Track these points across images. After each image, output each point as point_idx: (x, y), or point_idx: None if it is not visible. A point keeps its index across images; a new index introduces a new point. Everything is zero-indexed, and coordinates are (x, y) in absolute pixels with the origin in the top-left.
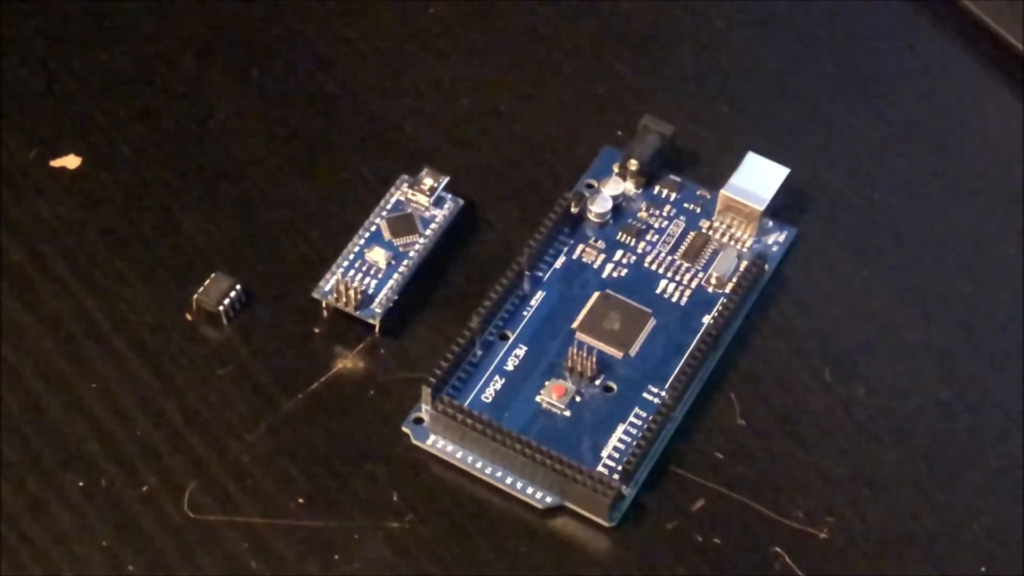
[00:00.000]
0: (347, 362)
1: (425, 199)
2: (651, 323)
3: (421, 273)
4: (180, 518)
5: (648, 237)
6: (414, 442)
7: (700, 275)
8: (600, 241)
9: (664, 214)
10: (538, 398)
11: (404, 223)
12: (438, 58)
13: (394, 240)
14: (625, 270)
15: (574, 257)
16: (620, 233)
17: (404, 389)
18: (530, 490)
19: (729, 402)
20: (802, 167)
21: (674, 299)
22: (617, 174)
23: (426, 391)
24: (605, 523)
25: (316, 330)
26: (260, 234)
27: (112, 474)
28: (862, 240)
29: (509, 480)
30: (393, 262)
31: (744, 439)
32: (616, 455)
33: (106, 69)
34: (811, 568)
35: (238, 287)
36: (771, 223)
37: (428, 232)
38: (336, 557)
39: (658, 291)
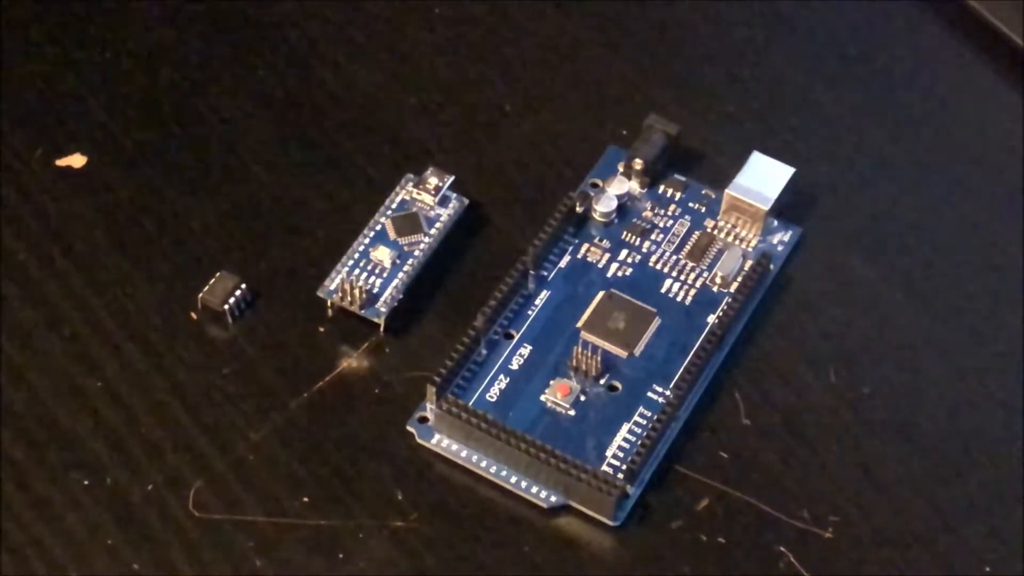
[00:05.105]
0: (352, 361)
1: (430, 198)
2: (656, 322)
3: (426, 272)
4: (185, 517)
5: (653, 236)
6: (419, 441)
7: (705, 274)
8: (605, 240)
9: (669, 213)
10: (543, 397)
11: (409, 222)
12: (443, 57)
13: (399, 239)
14: (630, 269)
15: (579, 256)
16: (625, 232)
17: (409, 388)
18: (535, 489)
19: (734, 401)
20: (807, 167)
21: (679, 298)
22: (622, 173)
23: (431, 390)
24: (610, 522)
25: (321, 329)
26: (265, 233)
27: (117, 473)
28: (867, 240)
29: (514, 479)
30: (398, 261)
31: (749, 438)
32: (621, 454)
33: (111, 68)
34: (816, 567)
35: (243, 286)
36: (776, 222)
37: (433, 231)
38: (341, 556)
39: (663, 290)
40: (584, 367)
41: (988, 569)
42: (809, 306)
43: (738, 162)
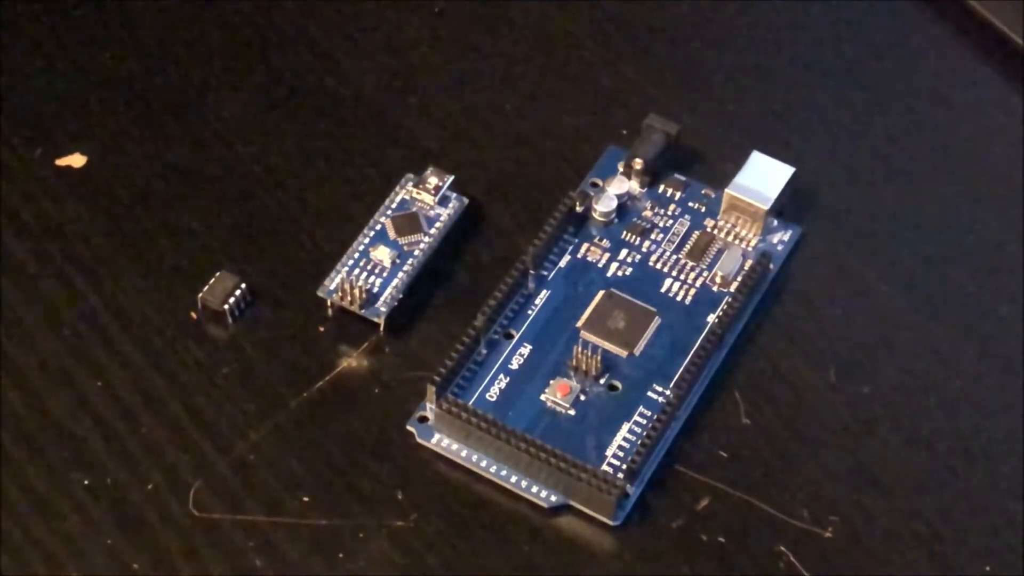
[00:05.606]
0: (352, 361)
1: (430, 198)
2: (656, 322)
3: (426, 272)
4: (185, 516)
5: (653, 236)
6: (419, 441)
7: (705, 274)
8: (605, 240)
9: (669, 213)
10: (543, 397)
11: (409, 222)
12: (443, 57)
13: (399, 239)
14: (630, 269)
15: (579, 256)
16: (625, 232)
17: (409, 388)
18: (535, 489)
19: (734, 401)
20: (807, 166)
21: (679, 298)
22: (622, 173)
23: (431, 390)
24: (610, 522)
25: (321, 329)
26: (265, 233)
27: (117, 472)
28: (867, 239)
29: (514, 479)
30: (398, 261)
31: (749, 438)
32: (621, 454)
33: (112, 68)
34: (816, 567)
35: (243, 286)
36: (776, 222)
37: (433, 231)
38: (340, 555)
39: (663, 290)
40: (584, 367)
41: (988, 569)
42: (809, 306)
43: (738, 161)
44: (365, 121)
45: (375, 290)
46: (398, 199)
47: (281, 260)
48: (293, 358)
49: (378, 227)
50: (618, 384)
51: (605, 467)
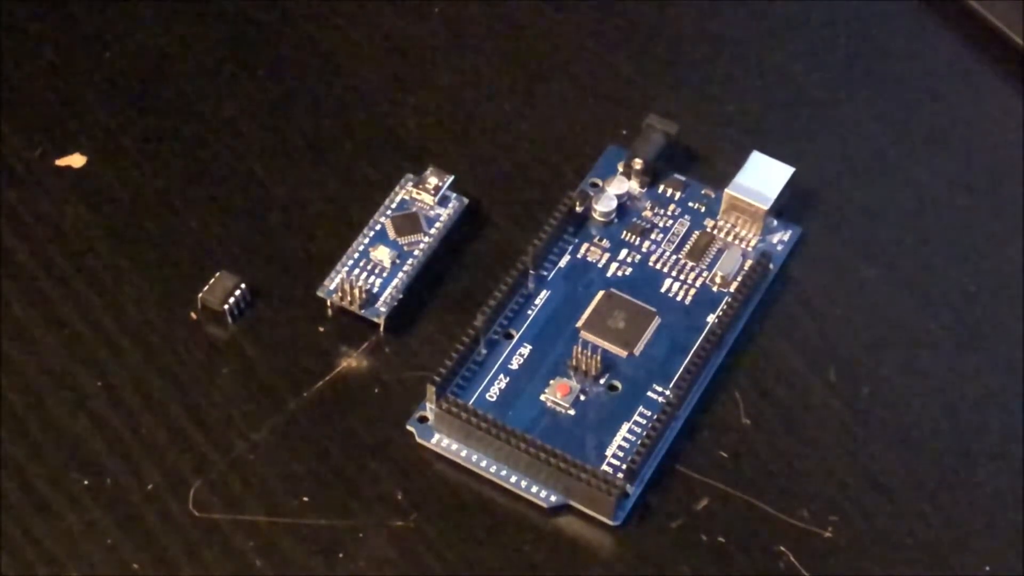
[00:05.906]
0: (352, 361)
1: (430, 198)
2: (655, 322)
3: (426, 272)
4: (185, 516)
5: (653, 236)
6: (419, 441)
7: (704, 274)
8: (605, 240)
9: (669, 213)
10: (543, 397)
11: (409, 222)
12: (443, 57)
13: (399, 239)
14: (629, 269)
15: (579, 256)
16: (625, 232)
17: (409, 388)
18: (535, 489)
19: (734, 401)
20: (807, 166)
21: (679, 298)
22: (622, 173)
23: (431, 390)
24: (610, 522)
25: (321, 329)
26: (265, 233)
27: (117, 473)
28: (867, 239)
29: (514, 479)
30: (398, 261)
31: (749, 438)
32: (621, 454)
33: (112, 68)
34: (816, 567)
35: (243, 286)
36: (776, 222)
37: (433, 231)
38: (340, 555)
39: (663, 290)
40: (584, 367)
41: (988, 569)
42: (809, 306)
43: (738, 161)
44: (365, 121)
45: (375, 290)
46: (398, 199)
47: (281, 260)
48: (293, 358)
49: (378, 227)
50: (618, 384)
51: (605, 467)
